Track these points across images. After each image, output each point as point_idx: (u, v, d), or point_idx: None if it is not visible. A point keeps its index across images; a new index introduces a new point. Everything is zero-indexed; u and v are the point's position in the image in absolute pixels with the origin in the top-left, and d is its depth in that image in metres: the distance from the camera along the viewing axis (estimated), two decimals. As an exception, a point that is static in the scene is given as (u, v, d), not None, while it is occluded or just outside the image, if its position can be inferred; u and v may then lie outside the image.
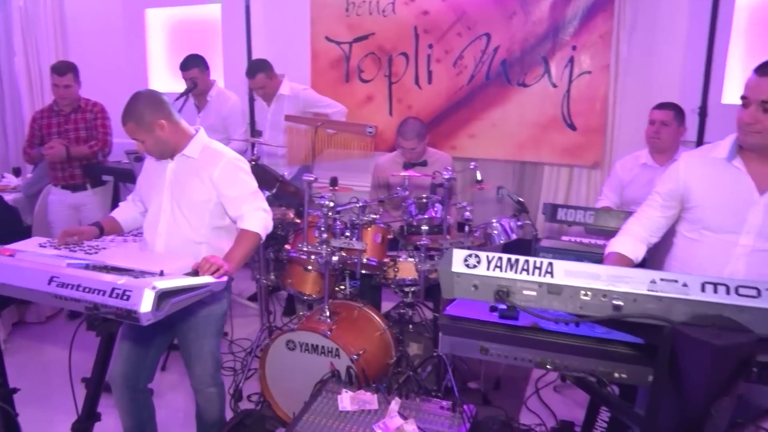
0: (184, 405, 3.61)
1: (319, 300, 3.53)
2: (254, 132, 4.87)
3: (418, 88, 4.98)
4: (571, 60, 4.58)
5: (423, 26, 4.91)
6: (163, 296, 2.01)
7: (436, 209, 3.45)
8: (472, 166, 3.72)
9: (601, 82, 4.55)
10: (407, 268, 3.51)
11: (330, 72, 5.21)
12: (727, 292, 1.38)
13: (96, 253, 2.53)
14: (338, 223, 3.33)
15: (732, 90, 4.46)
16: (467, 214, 3.46)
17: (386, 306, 4.03)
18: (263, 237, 2.73)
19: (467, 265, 1.47)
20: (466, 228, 3.42)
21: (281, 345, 3.24)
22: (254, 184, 2.76)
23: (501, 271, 1.46)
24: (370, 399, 2.77)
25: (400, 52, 5.00)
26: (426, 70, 4.95)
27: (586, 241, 3.67)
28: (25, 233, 4.37)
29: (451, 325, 1.70)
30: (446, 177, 3.35)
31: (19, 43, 6.18)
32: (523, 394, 3.76)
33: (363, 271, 3.51)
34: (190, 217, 2.68)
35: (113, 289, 2.01)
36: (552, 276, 1.43)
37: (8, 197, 4.67)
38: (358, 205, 3.39)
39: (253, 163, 3.67)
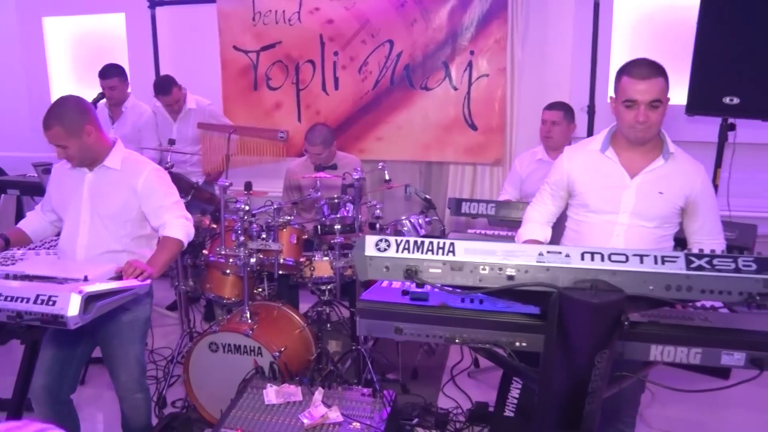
0: (105, 418, 3.59)
1: (239, 303, 3.61)
2: (168, 141, 4.88)
3: (326, 94, 5.13)
4: (470, 64, 4.86)
5: (328, 34, 5.06)
6: (89, 299, 2.08)
7: (347, 209, 3.61)
8: (380, 167, 3.90)
9: (499, 84, 4.85)
10: (323, 266, 3.64)
11: (239, 80, 5.28)
12: (602, 259, 1.61)
13: (13, 263, 2.54)
14: (254, 226, 3.43)
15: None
16: (378, 212, 3.64)
17: (304, 307, 4.15)
18: (185, 244, 2.79)
19: (378, 249, 1.64)
20: (377, 226, 3.60)
21: (204, 347, 3.30)
22: (176, 193, 2.83)
23: (409, 252, 1.63)
24: (294, 391, 2.88)
25: (307, 60, 5.14)
26: (332, 77, 5.10)
27: (490, 232, 3.91)
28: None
29: (368, 308, 1.84)
30: (356, 177, 3.51)
31: None
32: (440, 381, 3.94)
33: (280, 272, 3.61)
34: (111, 227, 2.70)
35: (38, 296, 2.05)
36: (454, 254, 1.62)
37: None
38: (273, 208, 3.49)
39: (168, 171, 3.71)
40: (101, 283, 2.21)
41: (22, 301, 2.05)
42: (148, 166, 2.76)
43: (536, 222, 2.66)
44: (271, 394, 2.86)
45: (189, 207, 3.79)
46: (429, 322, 1.80)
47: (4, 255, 2.66)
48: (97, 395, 3.78)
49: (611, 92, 4.82)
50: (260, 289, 3.83)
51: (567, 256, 1.61)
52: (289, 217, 3.64)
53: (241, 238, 3.33)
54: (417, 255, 1.63)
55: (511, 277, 1.61)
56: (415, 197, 3.95)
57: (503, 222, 3.73)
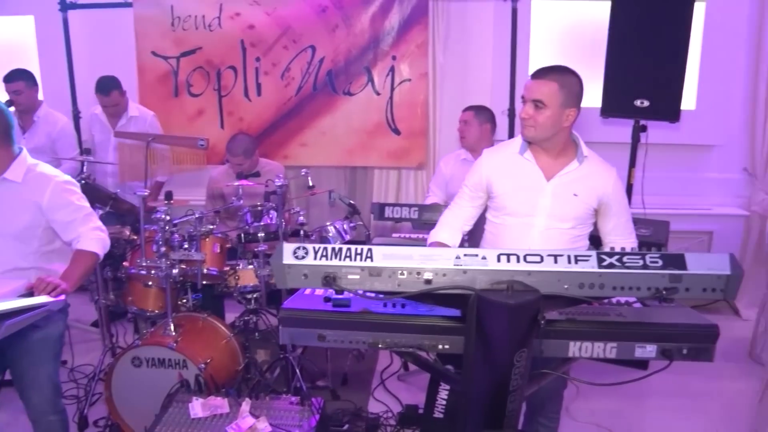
0: (20, 443, 3.44)
1: (163, 315, 3.52)
2: (83, 151, 4.71)
3: (248, 100, 5.07)
4: (392, 69, 4.90)
5: (249, 40, 5.00)
6: (-3, 319, 1.99)
7: (271, 216, 3.58)
8: (303, 173, 3.88)
9: (421, 89, 4.90)
10: (247, 275, 3.59)
11: (158, 87, 5.16)
12: (518, 260, 1.64)
13: None
14: (176, 236, 3.34)
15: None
16: (301, 219, 3.62)
17: (231, 317, 4.08)
18: (101, 256, 2.69)
19: (296, 257, 1.62)
20: (301, 232, 3.58)
21: (127, 363, 3.19)
22: (87, 204, 2.71)
23: (327, 259, 1.62)
24: (220, 403, 2.82)
25: (228, 66, 5.06)
26: (255, 83, 5.05)
27: (414, 236, 3.94)
28: None
29: (289, 316, 1.83)
30: (278, 184, 3.48)
31: None
32: (370, 386, 3.94)
33: (204, 282, 3.54)
34: (15, 244, 2.56)
35: (-60, 317, 1.95)
36: (372, 260, 1.62)
37: None
38: (194, 217, 3.42)
39: (84, 182, 3.60)
40: (10, 301, 2.11)
41: None
42: (53, 180, 2.61)
43: (448, 226, 2.67)
44: (197, 407, 2.79)
45: (108, 218, 3.70)
46: (351, 328, 1.80)
47: None
48: (11, 420, 3.60)
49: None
50: (184, 300, 3.74)
51: (483, 258, 1.63)
52: (211, 226, 3.58)
53: (162, 249, 3.25)
54: (335, 262, 1.62)
55: (428, 281, 1.62)
56: (339, 203, 3.95)
57: (427, 225, 3.75)
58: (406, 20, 4.82)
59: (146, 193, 3.30)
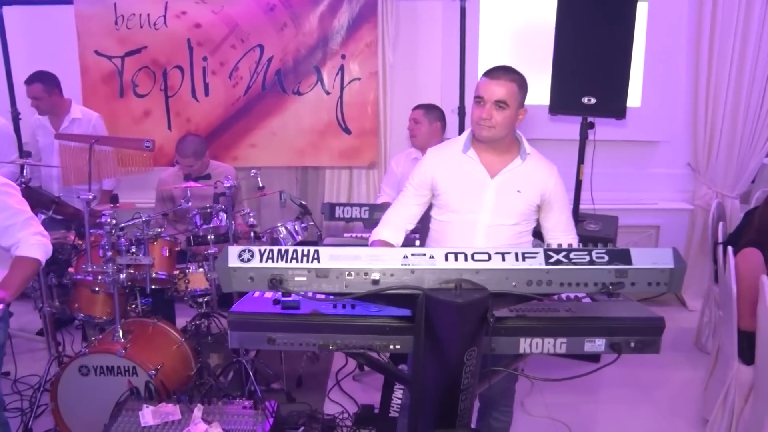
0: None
1: (111, 321, 3.43)
2: (23, 153, 4.56)
3: (196, 101, 4.98)
4: (342, 68, 4.88)
5: (196, 39, 4.91)
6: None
7: (220, 218, 3.53)
8: (253, 174, 3.83)
9: (371, 88, 4.89)
10: (198, 278, 3.54)
11: (103, 87, 5.02)
12: (465, 258, 1.65)
13: None
14: (123, 240, 3.25)
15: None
16: (252, 220, 3.58)
17: (183, 322, 4.00)
18: (43, 262, 2.62)
19: (242, 260, 1.60)
20: (252, 234, 3.53)
21: (74, 372, 3.11)
22: (27, 209, 2.64)
23: (273, 261, 1.60)
24: (172, 410, 2.78)
25: (175, 66, 4.96)
26: (202, 83, 4.96)
27: (366, 235, 3.92)
28: None
29: (238, 320, 1.80)
30: (227, 186, 3.43)
31: None
32: (325, 387, 3.92)
33: (153, 286, 3.46)
34: None
35: None
36: (319, 261, 1.61)
37: None
38: (141, 220, 3.35)
39: (24, 186, 3.49)
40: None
41: None
42: None
43: (391, 224, 2.64)
44: (148, 415, 2.74)
45: (51, 223, 3.59)
46: (301, 330, 1.78)
47: None
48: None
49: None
50: (133, 306, 3.66)
51: (431, 257, 1.63)
52: (160, 230, 3.51)
53: (109, 254, 3.17)
54: (281, 264, 1.60)
55: (376, 282, 1.62)
56: (290, 203, 3.92)
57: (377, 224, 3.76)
58: (355, 19, 4.81)
59: (90, 197, 3.21)
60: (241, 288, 1.61)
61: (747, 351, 3.13)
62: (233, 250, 1.60)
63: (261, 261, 1.60)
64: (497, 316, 1.68)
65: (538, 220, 2.60)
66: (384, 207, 3.71)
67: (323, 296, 1.76)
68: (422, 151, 4.05)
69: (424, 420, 1.80)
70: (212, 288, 3.51)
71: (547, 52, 4.17)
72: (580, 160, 4.31)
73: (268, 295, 1.91)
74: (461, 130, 4.82)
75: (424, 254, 1.63)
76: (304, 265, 1.60)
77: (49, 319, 3.80)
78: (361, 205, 3.74)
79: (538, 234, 2.65)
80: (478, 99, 2.40)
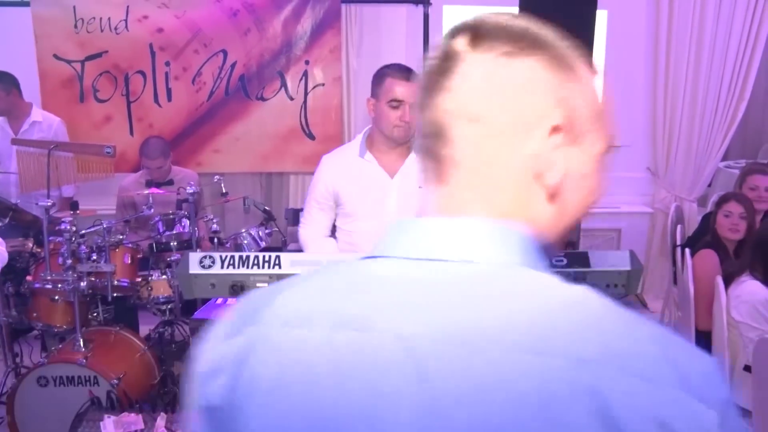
0: None
1: (72, 330, 3.38)
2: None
3: (158, 106, 4.92)
4: (306, 73, 4.87)
5: (158, 44, 4.86)
6: None
7: (183, 224, 3.50)
8: (216, 180, 3.81)
9: (335, 93, 4.89)
10: (161, 285, 3.49)
11: (62, 92, 4.93)
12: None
13: None
14: (83, 247, 3.20)
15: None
16: (215, 226, 3.55)
17: (146, 328, 3.95)
18: None
19: (203, 266, 1.59)
20: (216, 240, 3.51)
21: (32, 383, 3.04)
22: None
23: (234, 268, 1.60)
24: (135, 420, 2.74)
25: (137, 71, 4.90)
26: (165, 88, 4.90)
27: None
28: None
29: (201, 327, 1.80)
30: (190, 192, 3.40)
31: None
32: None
33: (115, 294, 3.42)
34: None
35: None
36: (280, 267, 1.61)
37: None
38: (102, 227, 3.30)
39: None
40: None
41: None
42: None
43: (316, 239, 2.60)
44: (109, 425, 2.70)
45: (10, 230, 3.52)
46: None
47: None
48: None
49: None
50: (95, 314, 3.61)
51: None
52: (121, 236, 3.46)
53: (69, 261, 3.12)
54: (243, 270, 1.60)
55: (338, 287, 1.62)
56: (254, 209, 3.90)
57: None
58: (319, 25, 4.80)
59: (49, 204, 3.16)
60: (202, 294, 1.61)
61: (704, 350, 3.21)
62: (194, 257, 1.60)
63: (222, 267, 1.60)
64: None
65: None
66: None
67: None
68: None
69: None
70: (176, 295, 3.47)
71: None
72: (543, 165, 4.36)
73: (232, 301, 1.90)
74: (426, 135, 4.84)
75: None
76: (266, 270, 1.60)
77: (6, 329, 3.71)
78: (325, 211, 3.74)
79: None
80: (396, 102, 2.36)
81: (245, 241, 3.69)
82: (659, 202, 5.31)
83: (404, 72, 2.37)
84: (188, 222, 3.49)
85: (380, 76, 2.46)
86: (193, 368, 0.72)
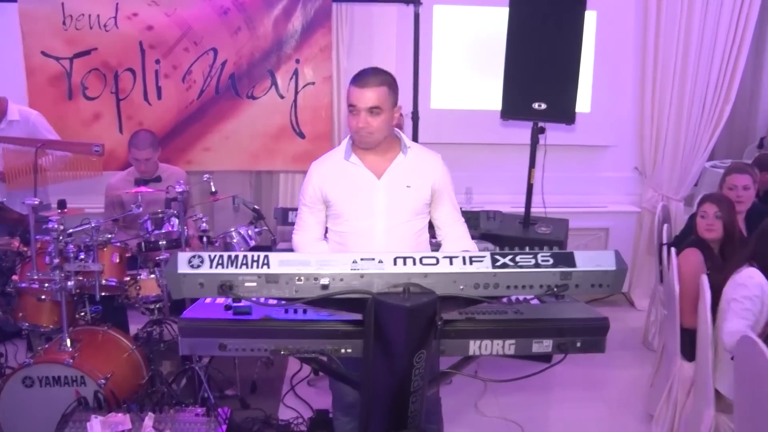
0: None
1: (58, 330, 3.36)
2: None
3: (148, 104, 4.90)
4: (296, 72, 4.87)
5: (148, 41, 4.84)
6: None
7: (172, 223, 3.49)
8: (205, 179, 3.80)
9: (325, 92, 4.90)
10: (149, 285, 3.49)
11: (50, 90, 4.90)
12: (414, 263, 1.67)
13: None
14: (71, 246, 3.19)
15: (438, 96, 5.09)
16: (204, 225, 3.55)
17: (136, 328, 3.94)
18: None
19: (192, 266, 1.59)
20: (205, 239, 3.51)
21: (17, 384, 3.02)
22: None
23: (223, 267, 1.60)
24: (122, 420, 2.74)
25: (127, 68, 4.88)
26: (155, 86, 4.89)
27: (321, 239, 3.94)
28: None
29: (189, 326, 1.79)
30: (179, 191, 3.40)
31: None
32: (280, 392, 3.91)
33: (103, 294, 3.41)
34: None
35: None
36: (268, 267, 1.61)
37: None
38: (91, 226, 3.28)
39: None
40: None
41: None
42: None
43: (308, 244, 2.63)
44: (96, 426, 2.70)
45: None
46: (253, 335, 1.78)
47: None
48: None
49: (433, 99, 5.08)
50: (83, 313, 3.60)
51: (380, 262, 1.65)
52: (109, 235, 3.45)
53: (56, 261, 3.10)
54: (231, 270, 1.60)
55: (325, 287, 1.63)
56: (244, 208, 3.90)
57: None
58: (310, 24, 4.80)
59: (36, 202, 3.15)
60: (190, 294, 1.61)
61: (689, 348, 3.25)
62: (183, 256, 1.60)
63: (211, 267, 1.60)
64: (446, 319, 1.71)
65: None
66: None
67: (275, 301, 1.76)
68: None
69: (375, 422, 1.82)
70: (164, 294, 3.47)
71: (500, 57, 4.24)
72: (531, 164, 4.39)
73: (220, 300, 1.90)
74: (414, 135, 4.86)
75: (373, 259, 1.65)
76: (254, 270, 1.60)
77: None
78: (314, 210, 3.74)
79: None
80: (351, 108, 2.40)
81: (234, 240, 3.69)
82: (646, 202, 5.34)
83: (365, 78, 2.38)
84: (177, 221, 3.48)
85: (350, 82, 2.48)
86: None
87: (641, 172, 5.38)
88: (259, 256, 1.61)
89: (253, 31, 4.82)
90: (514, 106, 4.25)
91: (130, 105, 4.93)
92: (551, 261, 1.70)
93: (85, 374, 3.03)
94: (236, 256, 1.61)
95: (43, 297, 3.34)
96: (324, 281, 1.62)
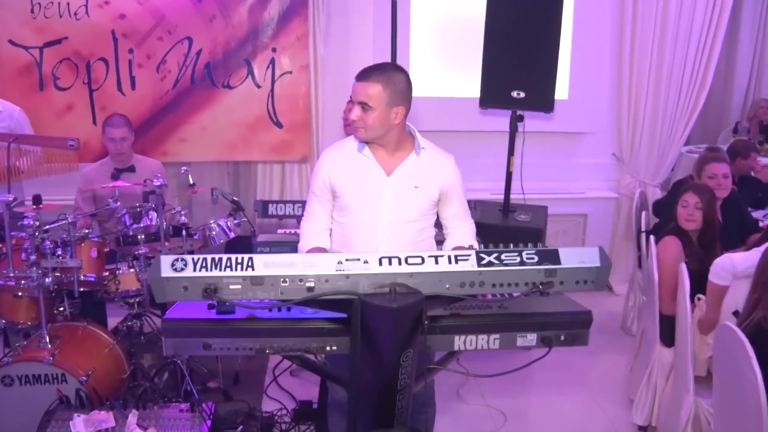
0: None
1: (37, 327, 3.31)
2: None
3: (122, 94, 4.83)
4: (273, 61, 4.82)
5: (121, 30, 4.75)
6: None
7: (150, 217, 3.45)
8: (183, 171, 3.76)
9: (302, 81, 4.86)
10: (129, 279, 3.44)
11: (20, 80, 4.79)
12: (399, 262, 1.67)
13: None
14: (47, 242, 3.13)
15: (417, 84, 5.03)
16: (183, 218, 3.52)
17: (115, 321, 3.91)
18: None
19: (175, 269, 1.57)
20: (184, 232, 3.48)
21: (-4, 382, 3.00)
22: None
23: (207, 270, 1.58)
24: (105, 417, 2.72)
25: (99, 58, 4.79)
26: (128, 76, 4.81)
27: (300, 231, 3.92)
28: None
29: (172, 327, 1.78)
30: (157, 184, 3.36)
31: None
32: (263, 384, 3.92)
33: (82, 289, 3.37)
34: None
35: None
36: (253, 269, 1.60)
37: None
38: (67, 222, 3.23)
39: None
40: None
41: None
42: None
43: (313, 233, 2.62)
44: (80, 424, 2.68)
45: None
46: (237, 335, 1.77)
47: None
48: None
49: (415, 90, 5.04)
50: (61, 309, 3.55)
51: (365, 262, 1.65)
52: (87, 230, 3.40)
53: (33, 257, 3.05)
54: (216, 272, 1.58)
55: (311, 288, 1.62)
56: (222, 200, 3.86)
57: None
58: (286, 12, 4.75)
59: (10, 198, 3.09)
60: (174, 297, 1.60)
61: (668, 334, 3.30)
62: (166, 260, 1.58)
63: (195, 270, 1.58)
64: (432, 315, 1.71)
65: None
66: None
67: (258, 302, 1.76)
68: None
69: (363, 420, 1.82)
70: (144, 288, 3.43)
71: (479, 45, 4.23)
72: (510, 152, 4.40)
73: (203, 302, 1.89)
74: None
75: (359, 259, 1.65)
76: (239, 273, 1.59)
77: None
78: (294, 202, 3.74)
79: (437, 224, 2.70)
80: (350, 101, 2.42)
81: (214, 232, 3.65)
82: (624, 188, 5.40)
83: (366, 71, 2.39)
84: (155, 214, 3.44)
85: None
86: None
87: (619, 159, 5.42)
88: (243, 258, 1.60)
89: (229, 19, 4.76)
90: (492, 95, 4.25)
91: (103, 95, 4.84)
92: (536, 258, 1.71)
93: (66, 371, 2.99)
94: (220, 259, 1.60)
95: (20, 294, 3.28)
96: (310, 283, 1.61)
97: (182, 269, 1.57)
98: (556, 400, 3.85)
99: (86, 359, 3.16)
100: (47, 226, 3.17)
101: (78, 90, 4.83)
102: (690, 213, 3.43)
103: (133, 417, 2.71)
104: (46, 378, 3.00)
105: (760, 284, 2.59)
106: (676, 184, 4.53)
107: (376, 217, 2.48)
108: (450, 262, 1.68)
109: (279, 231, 3.99)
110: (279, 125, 4.91)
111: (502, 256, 1.70)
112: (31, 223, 3.02)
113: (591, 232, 5.42)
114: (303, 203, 3.70)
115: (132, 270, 3.46)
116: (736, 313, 2.85)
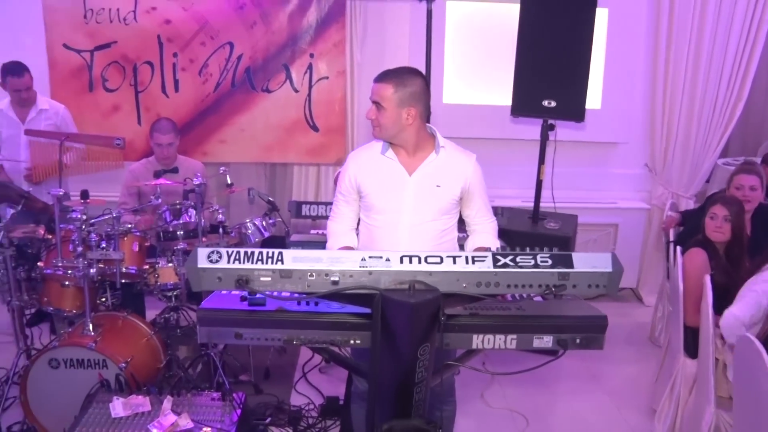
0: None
1: (81, 315, 3.48)
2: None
3: (166, 96, 5.02)
4: (310, 66, 4.97)
5: (166, 35, 4.95)
6: None
7: (190, 214, 3.59)
8: (221, 171, 3.89)
9: (339, 86, 4.99)
10: (167, 273, 3.59)
11: (72, 81, 5.02)
12: (419, 261, 1.77)
13: None
14: (93, 235, 3.30)
15: (450, 92, 5.15)
16: (220, 216, 3.65)
17: (153, 314, 4.07)
18: None
19: (210, 261, 1.70)
20: (221, 230, 3.61)
21: (43, 365, 3.15)
22: None
23: (240, 263, 1.70)
24: (142, 402, 2.86)
25: (145, 61, 4.99)
26: (173, 79, 5.00)
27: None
28: None
29: (207, 316, 1.90)
30: (197, 183, 3.50)
31: None
32: (292, 379, 4.02)
33: (124, 281, 3.53)
34: None
35: None
36: (282, 263, 1.71)
37: None
38: (112, 216, 3.39)
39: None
40: None
41: None
42: None
43: (340, 233, 2.71)
44: (118, 406, 2.82)
45: (22, 217, 3.62)
46: (267, 326, 1.88)
47: None
48: None
49: (445, 95, 5.12)
50: (103, 299, 3.72)
51: (387, 260, 1.75)
52: (130, 225, 3.57)
53: (80, 249, 3.22)
54: (248, 265, 1.70)
55: (336, 282, 1.72)
56: (259, 200, 3.99)
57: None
58: (324, 19, 4.90)
59: (61, 193, 3.26)
60: (209, 287, 1.71)
61: (692, 345, 3.30)
62: (202, 252, 1.70)
63: (228, 262, 1.70)
64: (451, 314, 1.80)
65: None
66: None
67: (288, 294, 1.86)
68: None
69: (382, 410, 1.92)
70: (181, 282, 3.58)
71: (511, 53, 4.30)
72: (541, 161, 4.45)
73: (236, 291, 2.00)
74: (427, 128, 4.92)
75: (381, 257, 1.75)
76: (269, 266, 1.70)
77: (18, 312, 3.82)
78: (327, 204, 3.84)
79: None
80: (372, 102, 2.52)
81: (249, 231, 3.78)
82: (656, 199, 5.38)
83: (384, 73, 2.50)
84: (194, 212, 3.58)
85: None
86: None
87: (651, 169, 5.41)
88: (273, 253, 1.72)
89: (269, 25, 4.91)
90: (524, 104, 4.31)
91: (148, 97, 5.05)
92: (550, 262, 1.78)
93: (107, 358, 3.15)
94: (252, 252, 1.71)
95: (66, 283, 3.47)
96: (334, 278, 1.72)
97: (217, 261, 1.70)
98: (579, 406, 3.87)
99: (126, 347, 3.31)
100: (93, 220, 3.35)
101: (125, 91, 5.04)
102: (718, 225, 3.41)
103: (167, 403, 2.84)
104: (89, 363, 3.16)
105: None
106: (710, 197, 4.51)
107: (398, 217, 2.55)
108: (467, 262, 1.77)
109: (312, 231, 4.10)
110: (315, 129, 5.05)
111: (518, 259, 1.78)
112: (79, 216, 3.20)
113: (622, 242, 5.41)
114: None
115: (171, 264, 3.60)
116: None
